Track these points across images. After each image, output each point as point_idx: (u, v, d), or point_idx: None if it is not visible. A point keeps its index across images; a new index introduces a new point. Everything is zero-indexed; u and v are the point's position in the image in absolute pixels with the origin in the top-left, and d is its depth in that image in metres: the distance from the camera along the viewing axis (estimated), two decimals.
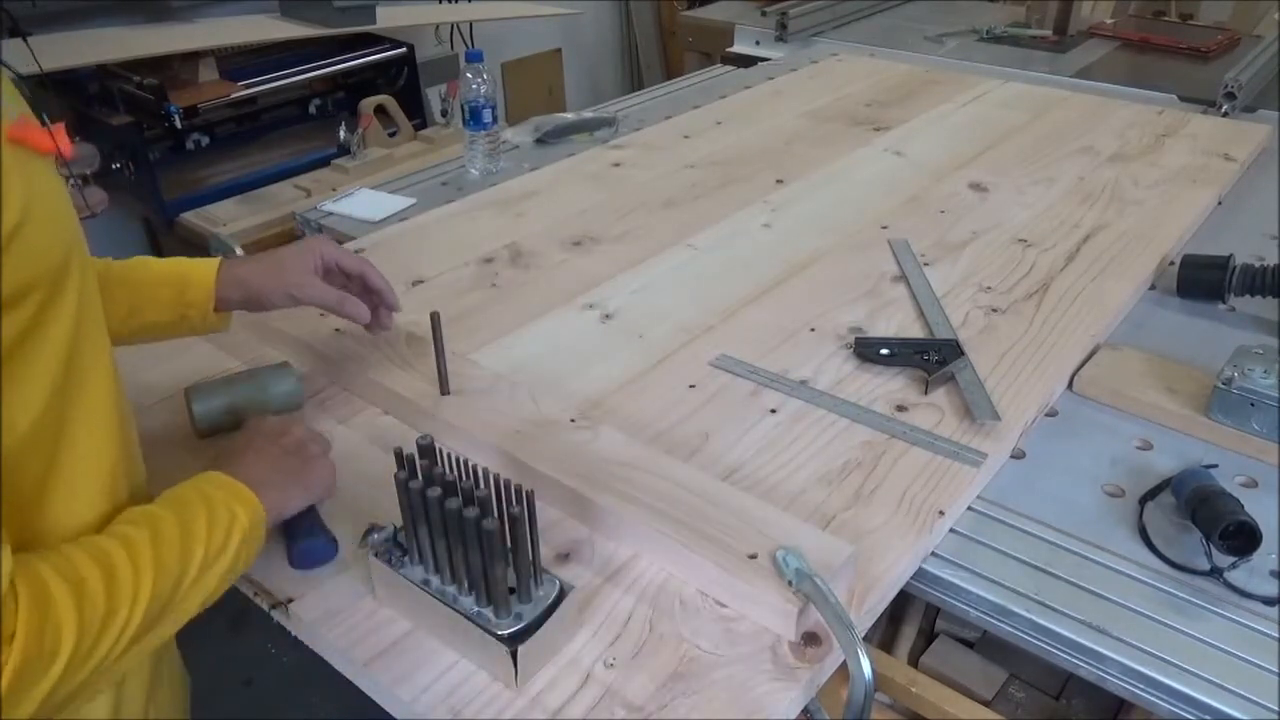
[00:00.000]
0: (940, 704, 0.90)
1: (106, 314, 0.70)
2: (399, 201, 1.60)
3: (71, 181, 0.69)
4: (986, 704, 1.02)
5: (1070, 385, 1.11)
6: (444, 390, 0.99)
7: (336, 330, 1.10)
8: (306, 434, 0.87)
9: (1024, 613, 0.82)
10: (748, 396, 1.07)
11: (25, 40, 0.80)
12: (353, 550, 0.83)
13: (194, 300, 0.91)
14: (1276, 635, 0.79)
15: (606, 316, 1.22)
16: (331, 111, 2.44)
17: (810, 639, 0.76)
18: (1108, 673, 0.79)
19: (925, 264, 1.33)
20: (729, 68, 2.41)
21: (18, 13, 2.07)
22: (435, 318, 0.97)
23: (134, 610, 0.60)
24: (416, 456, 0.74)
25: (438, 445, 0.75)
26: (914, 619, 1.10)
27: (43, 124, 0.63)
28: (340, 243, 1.49)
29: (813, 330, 1.19)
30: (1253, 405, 0.98)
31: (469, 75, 1.64)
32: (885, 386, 1.08)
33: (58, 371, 0.62)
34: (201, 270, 0.92)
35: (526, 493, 0.71)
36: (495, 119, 1.68)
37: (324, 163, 2.13)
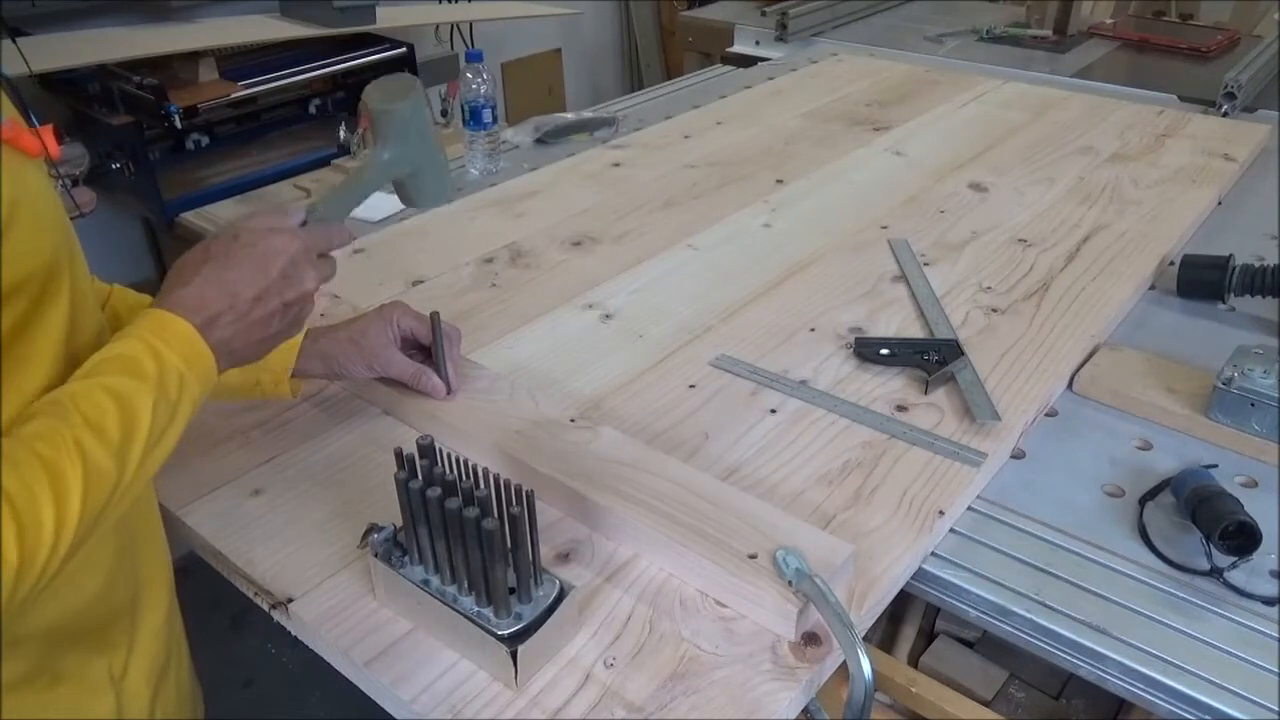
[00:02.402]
0: (940, 704, 0.90)
1: None
2: (399, 202, 1.59)
3: (60, 183, 0.69)
4: (986, 704, 1.02)
5: (1070, 385, 1.11)
6: (444, 390, 0.99)
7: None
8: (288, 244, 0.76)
9: (1024, 613, 0.82)
10: (748, 396, 1.07)
11: (14, 41, 0.80)
12: (353, 550, 0.83)
13: (271, 366, 0.90)
14: (1276, 635, 0.79)
15: (606, 316, 1.22)
16: (331, 111, 2.43)
17: (810, 639, 0.76)
18: (1108, 673, 0.79)
19: (925, 264, 1.33)
20: (729, 68, 2.41)
21: (17, 13, 2.07)
22: (435, 318, 0.97)
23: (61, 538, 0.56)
24: (416, 456, 0.74)
25: (438, 445, 0.75)
26: (914, 619, 1.11)
27: (31, 125, 0.63)
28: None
29: (813, 330, 1.19)
30: (1253, 405, 0.98)
31: (469, 75, 1.64)
32: (885, 386, 1.08)
33: (53, 370, 0.62)
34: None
35: (526, 493, 0.71)
36: (495, 119, 1.68)
37: (324, 163, 2.12)
